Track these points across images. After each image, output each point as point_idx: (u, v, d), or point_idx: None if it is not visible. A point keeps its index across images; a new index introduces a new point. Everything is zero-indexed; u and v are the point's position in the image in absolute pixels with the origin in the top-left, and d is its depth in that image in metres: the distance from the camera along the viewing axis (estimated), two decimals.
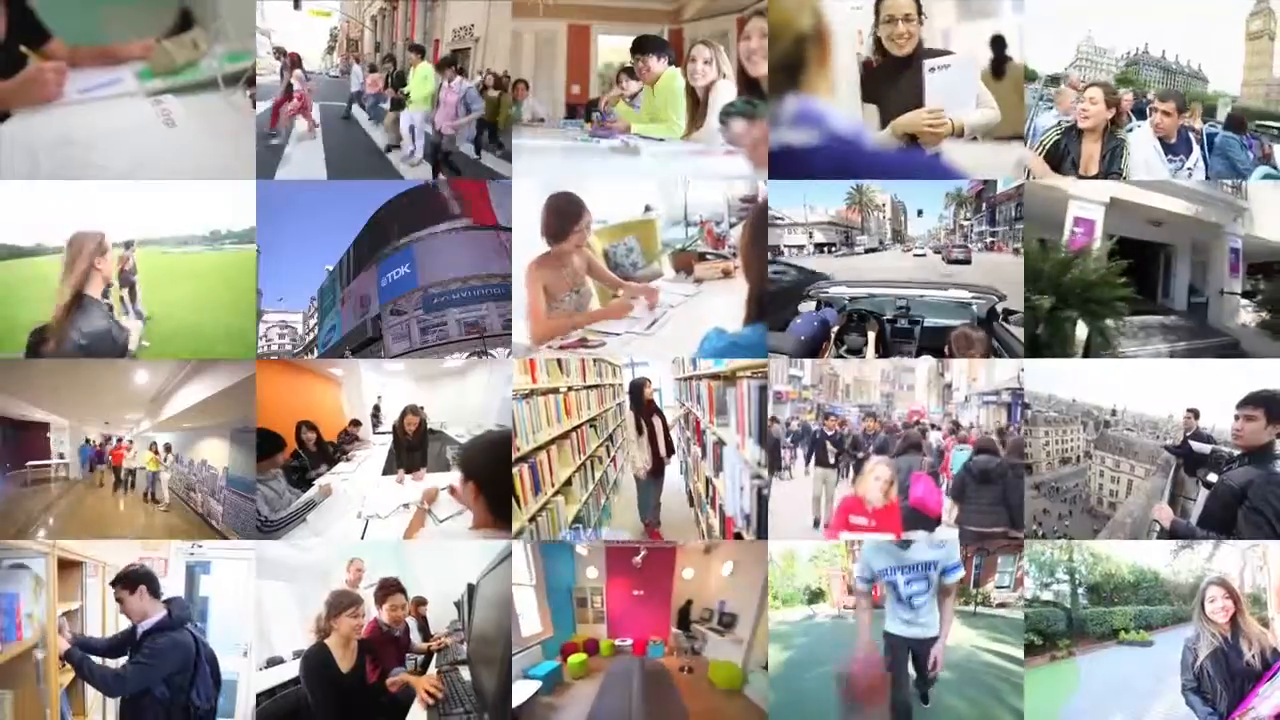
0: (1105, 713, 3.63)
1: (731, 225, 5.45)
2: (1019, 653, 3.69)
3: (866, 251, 5.13)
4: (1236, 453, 3.55)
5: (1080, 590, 3.93)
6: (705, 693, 3.98)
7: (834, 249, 5.02)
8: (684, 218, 5.34)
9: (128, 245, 3.99)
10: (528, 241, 4.05)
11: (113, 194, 3.89)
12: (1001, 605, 4.03)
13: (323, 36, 4.82)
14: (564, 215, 3.96)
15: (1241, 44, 4.30)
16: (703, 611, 4.72)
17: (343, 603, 3.72)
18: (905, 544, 3.17)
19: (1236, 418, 3.50)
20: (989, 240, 4.65)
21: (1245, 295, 4.46)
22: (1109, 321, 4.02)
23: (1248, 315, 4.31)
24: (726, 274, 4.90)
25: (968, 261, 4.73)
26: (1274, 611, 3.75)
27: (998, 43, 4.09)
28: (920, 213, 4.85)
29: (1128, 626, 4.11)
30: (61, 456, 4.66)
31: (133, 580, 3.62)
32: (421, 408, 4.78)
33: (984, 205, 4.61)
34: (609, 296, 4.47)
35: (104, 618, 4.18)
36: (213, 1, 4.10)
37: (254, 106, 4.02)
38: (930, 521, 3.96)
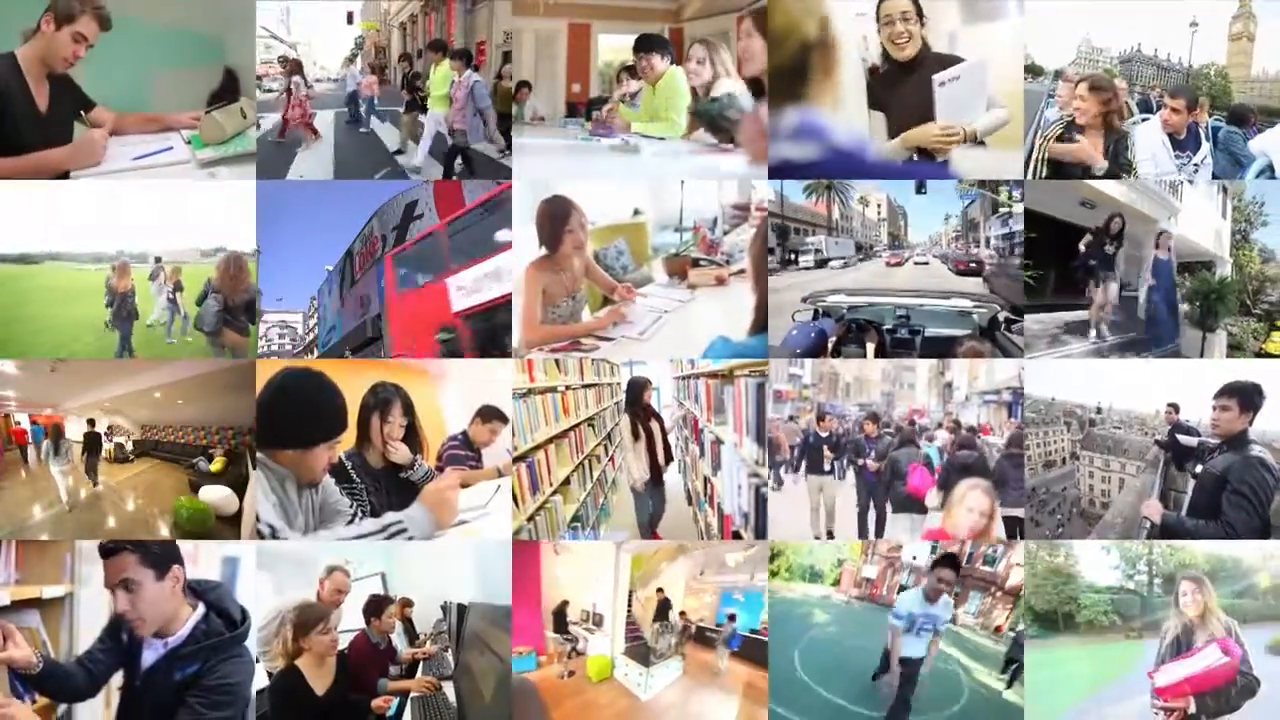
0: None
1: (725, 231, 5.43)
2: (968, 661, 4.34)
3: (820, 264, 4.62)
4: (1217, 442, 3.70)
5: (1156, 580, 4.10)
6: (580, 691, 4.17)
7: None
8: (679, 222, 5.31)
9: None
10: (526, 241, 4.03)
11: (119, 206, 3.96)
12: (964, 626, 4.51)
13: (347, 45, 4.76)
14: (554, 219, 3.97)
15: (1225, 44, 4.34)
16: (581, 613, 4.60)
17: (310, 619, 3.44)
18: (932, 600, 3.87)
19: (1213, 409, 3.67)
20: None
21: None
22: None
23: None
24: (720, 281, 4.88)
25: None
26: None
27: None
28: (922, 188, 4.22)
29: None
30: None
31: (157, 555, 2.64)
32: None
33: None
34: (599, 301, 4.43)
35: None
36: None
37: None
38: (922, 505, 4.27)
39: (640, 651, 4.32)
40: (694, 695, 4.10)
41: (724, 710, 3.94)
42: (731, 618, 4.40)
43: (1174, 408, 4.26)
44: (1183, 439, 4.18)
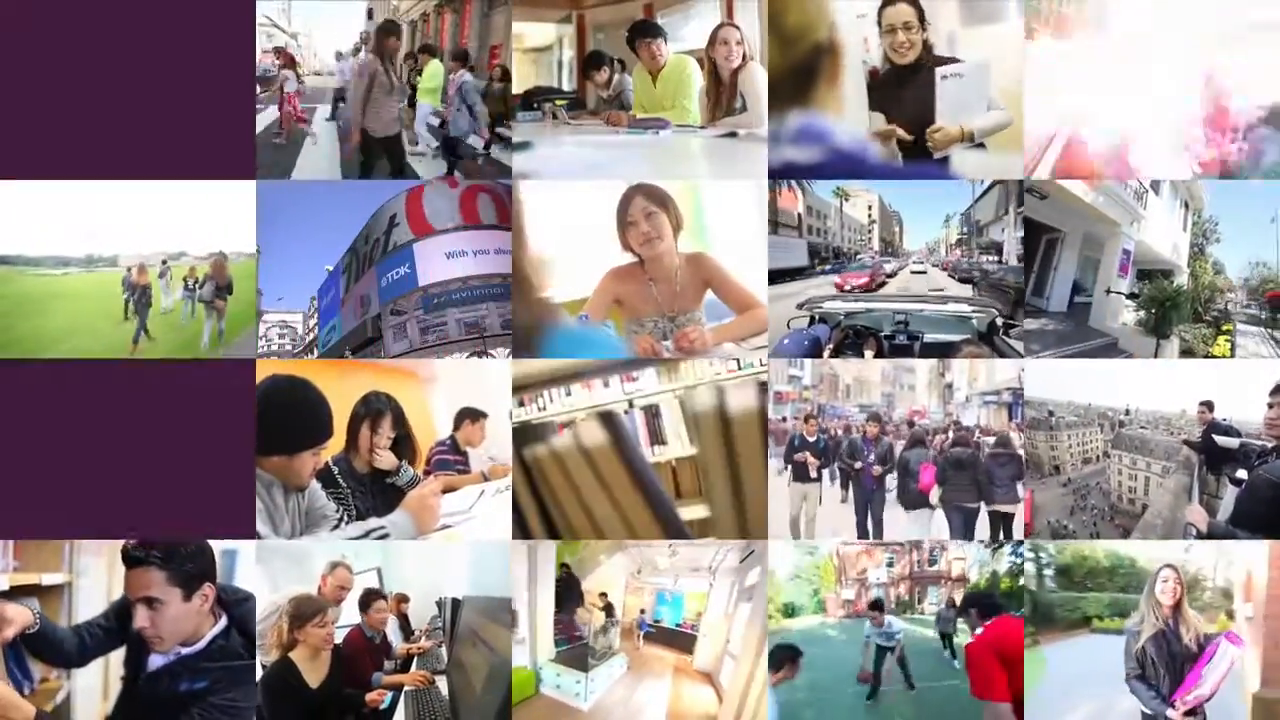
0: (1075, 702, 3.64)
1: None
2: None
3: None
4: (1270, 445, 3.51)
5: (1048, 573, 3.89)
6: None
7: None
8: None
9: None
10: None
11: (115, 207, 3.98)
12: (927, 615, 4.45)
13: (351, 39, 4.67)
14: (617, 213, 3.64)
15: None
16: None
17: (307, 612, 3.41)
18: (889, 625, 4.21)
19: (1270, 406, 3.46)
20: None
21: (1130, 296, 4.38)
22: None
23: (1129, 315, 4.29)
24: None
25: None
26: (1239, 603, 3.82)
27: None
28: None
29: (1101, 614, 4.01)
30: None
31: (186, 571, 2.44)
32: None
33: None
34: (631, 329, 3.80)
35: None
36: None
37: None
38: (926, 499, 4.33)
39: (577, 655, 4.12)
40: (636, 689, 4.15)
41: (659, 693, 4.02)
42: (642, 611, 4.67)
43: (1207, 406, 4.05)
44: (1221, 440, 3.96)
